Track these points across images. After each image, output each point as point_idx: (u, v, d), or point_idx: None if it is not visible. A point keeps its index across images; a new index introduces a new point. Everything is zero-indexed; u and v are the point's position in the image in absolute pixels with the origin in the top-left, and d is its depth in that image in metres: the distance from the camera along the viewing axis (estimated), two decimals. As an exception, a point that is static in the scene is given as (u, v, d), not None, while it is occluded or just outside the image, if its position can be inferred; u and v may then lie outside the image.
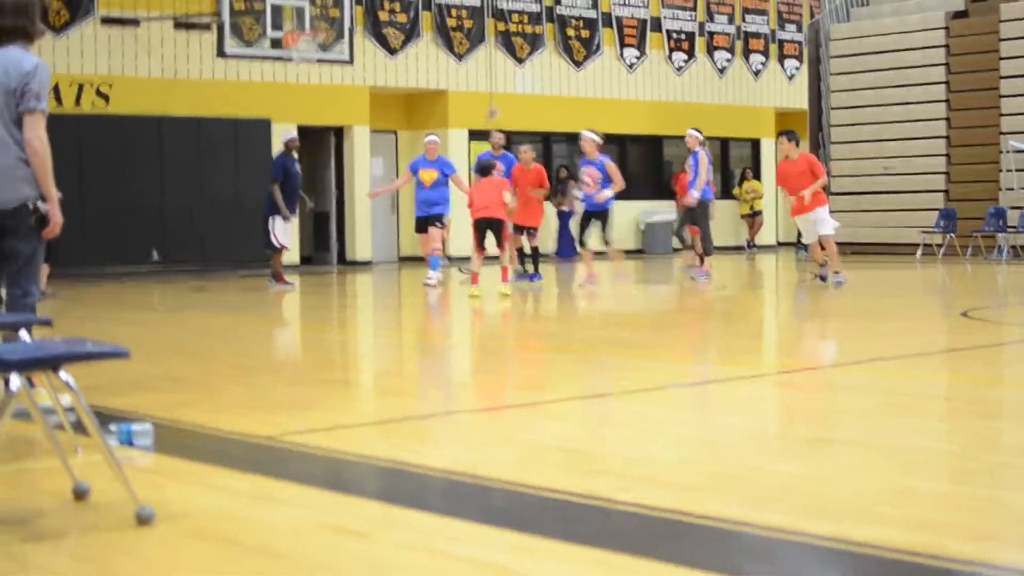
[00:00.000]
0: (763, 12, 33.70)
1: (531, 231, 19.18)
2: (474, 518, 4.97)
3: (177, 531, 4.80)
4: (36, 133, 6.84)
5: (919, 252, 25.44)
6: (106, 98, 23.30)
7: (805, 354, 11.63)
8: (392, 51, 26.90)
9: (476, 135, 26.88)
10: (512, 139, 24.25)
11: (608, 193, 18.29)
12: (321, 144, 26.65)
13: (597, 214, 18.56)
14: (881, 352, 10.92)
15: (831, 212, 17.83)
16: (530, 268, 19.41)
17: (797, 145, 17.34)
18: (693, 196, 19.26)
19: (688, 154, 19.79)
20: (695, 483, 5.59)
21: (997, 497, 5.35)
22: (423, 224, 19.16)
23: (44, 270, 16.50)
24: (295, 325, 15.80)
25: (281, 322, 15.99)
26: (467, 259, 21.30)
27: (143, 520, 4.80)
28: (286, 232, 19.46)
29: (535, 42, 29.25)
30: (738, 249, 31.56)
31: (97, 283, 17.82)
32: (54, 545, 4.71)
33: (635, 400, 8.42)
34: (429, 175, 19.09)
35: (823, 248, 17.29)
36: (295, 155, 19.55)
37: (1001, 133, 25.78)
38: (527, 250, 19.45)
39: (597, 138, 18.82)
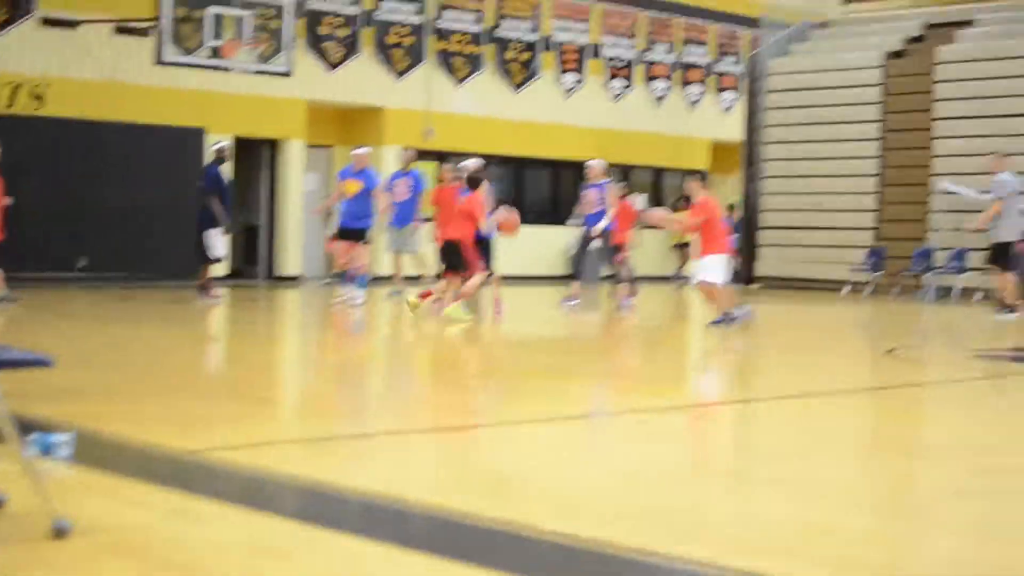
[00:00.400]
0: (702, 43, 33.90)
1: None
2: (394, 541, 4.94)
3: (93, 545, 4.73)
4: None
5: (845, 289, 25.63)
6: (40, 99, 23.08)
7: (729, 387, 11.67)
8: (331, 65, 26.82)
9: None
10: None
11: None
12: (255, 157, 26.51)
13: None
14: (804, 387, 10.99)
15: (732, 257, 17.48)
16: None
17: (701, 186, 16.94)
18: (597, 228, 19.25)
19: (590, 183, 19.57)
20: (617, 514, 5.58)
21: (918, 535, 5.38)
22: (345, 234, 19.08)
23: None
24: (222, 339, 15.69)
25: (208, 336, 15.87)
26: (389, 279, 21.33)
27: (59, 533, 4.73)
28: (221, 244, 19.48)
29: (475, 63, 29.27)
30: (668, 279, 31.65)
31: (22, 288, 17.61)
32: (-33, 555, 4.63)
33: (559, 429, 8.42)
34: (354, 186, 19.06)
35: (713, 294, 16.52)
36: (224, 165, 19.59)
37: (932, 175, 26.02)
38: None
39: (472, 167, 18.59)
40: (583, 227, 19.63)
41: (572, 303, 19.35)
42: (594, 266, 20.70)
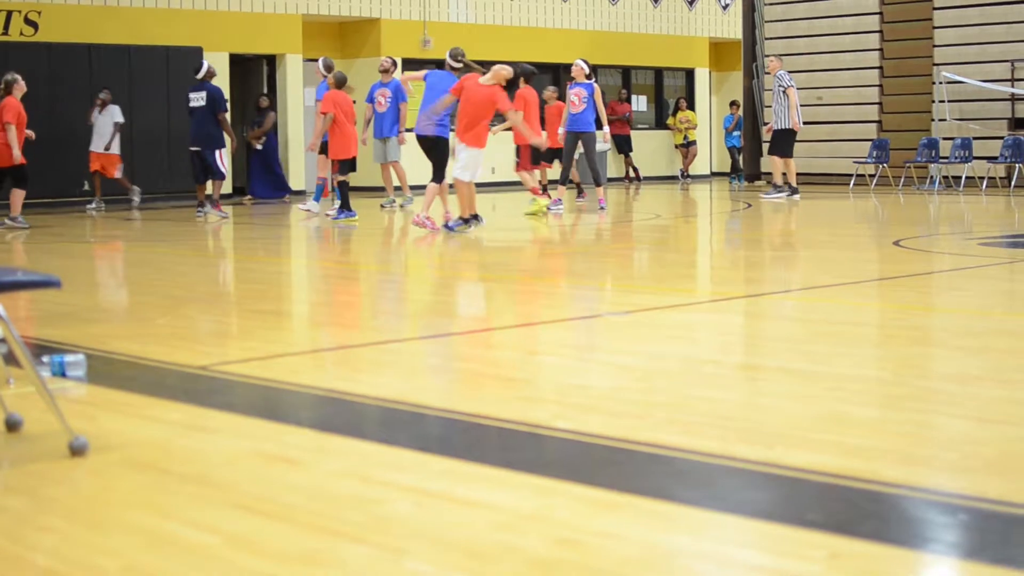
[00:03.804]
0: (698, -59, 33.60)
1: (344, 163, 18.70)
2: (409, 445, 4.97)
3: (111, 461, 4.77)
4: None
5: (852, 182, 25.57)
6: (35, 25, 22.95)
7: (737, 282, 11.67)
8: (325, -21, 26.64)
9: (409, 64, 26.66)
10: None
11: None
12: (253, 73, 26.39)
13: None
14: (813, 280, 11.01)
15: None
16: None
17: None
18: (607, 133, 20.33)
19: (572, 84, 20.00)
20: (630, 411, 5.61)
21: (927, 422, 5.41)
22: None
23: None
24: (228, 255, 15.70)
25: (214, 252, 15.88)
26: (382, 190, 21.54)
27: (76, 450, 4.77)
28: (223, 161, 19.71)
29: (469, -30, 29.03)
30: (672, 179, 31.63)
31: (25, 214, 17.61)
32: (-14, 475, 4.67)
33: (569, 328, 8.45)
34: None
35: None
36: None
37: (934, 64, 25.87)
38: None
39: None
40: (567, 131, 19.88)
41: (559, 207, 19.58)
42: (603, 168, 20.89)
